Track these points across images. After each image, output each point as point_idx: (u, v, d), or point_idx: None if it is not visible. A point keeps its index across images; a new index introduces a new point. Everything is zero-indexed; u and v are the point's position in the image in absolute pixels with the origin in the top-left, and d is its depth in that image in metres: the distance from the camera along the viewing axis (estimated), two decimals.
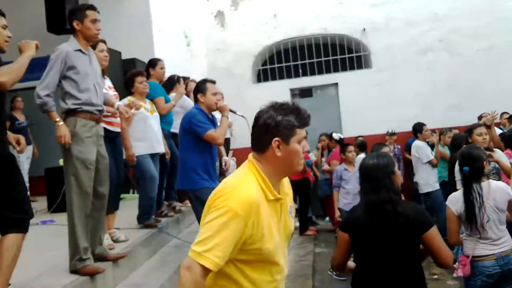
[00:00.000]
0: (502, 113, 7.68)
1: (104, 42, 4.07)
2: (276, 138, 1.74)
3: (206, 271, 1.64)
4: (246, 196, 1.68)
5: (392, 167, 2.68)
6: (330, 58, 9.75)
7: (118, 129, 4.27)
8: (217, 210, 1.66)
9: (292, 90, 9.89)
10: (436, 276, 5.28)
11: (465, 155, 3.41)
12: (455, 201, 3.34)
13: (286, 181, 1.94)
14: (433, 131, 7.18)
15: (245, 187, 1.71)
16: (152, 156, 4.73)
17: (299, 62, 9.85)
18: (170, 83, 5.67)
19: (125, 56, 6.72)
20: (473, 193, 3.23)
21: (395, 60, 9.30)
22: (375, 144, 5.19)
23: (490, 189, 3.26)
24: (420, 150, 6.66)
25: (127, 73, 4.99)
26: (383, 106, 9.16)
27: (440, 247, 2.52)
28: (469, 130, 4.62)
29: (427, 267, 5.75)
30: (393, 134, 8.86)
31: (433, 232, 2.52)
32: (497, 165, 4.31)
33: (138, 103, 4.38)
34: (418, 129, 6.88)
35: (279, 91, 9.60)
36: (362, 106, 9.26)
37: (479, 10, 8.95)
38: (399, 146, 8.88)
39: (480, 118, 7.77)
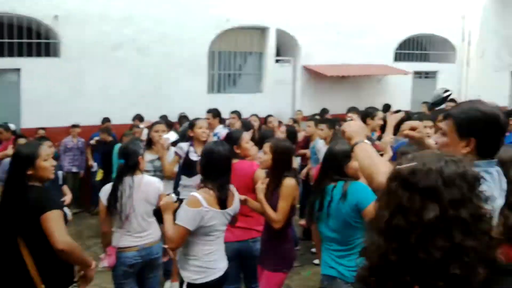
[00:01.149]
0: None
1: None
2: None
3: None
4: None
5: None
6: (15, 40, 8.90)
7: None
8: None
9: None
10: None
11: (124, 149, 3.59)
12: (105, 193, 3.45)
13: None
14: None
15: None
16: None
17: None
18: None
19: None
20: (123, 185, 3.40)
21: (85, 52, 9.11)
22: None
23: (142, 182, 3.47)
24: None
25: None
26: (69, 98, 8.91)
27: (52, 232, 2.58)
28: (190, 125, 4.90)
29: None
30: (76, 126, 8.71)
31: (48, 217, 2.59)
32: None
33: None
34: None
35: None
36: (47, 96, 8.78)
37: (168, 16, 9.60)
38: (82, 139, 8.79)
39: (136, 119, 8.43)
